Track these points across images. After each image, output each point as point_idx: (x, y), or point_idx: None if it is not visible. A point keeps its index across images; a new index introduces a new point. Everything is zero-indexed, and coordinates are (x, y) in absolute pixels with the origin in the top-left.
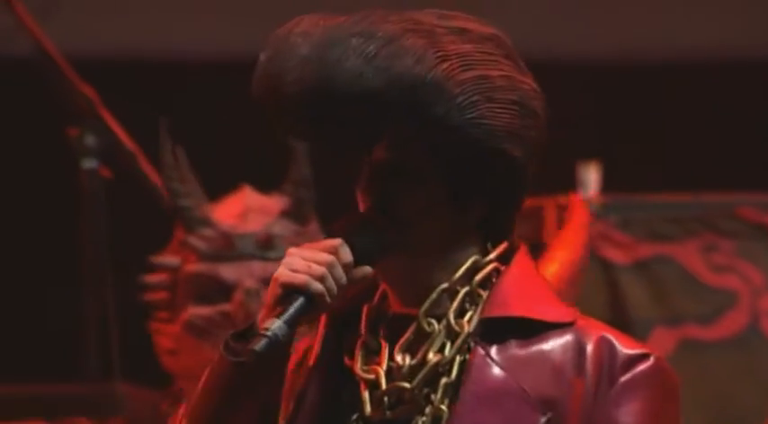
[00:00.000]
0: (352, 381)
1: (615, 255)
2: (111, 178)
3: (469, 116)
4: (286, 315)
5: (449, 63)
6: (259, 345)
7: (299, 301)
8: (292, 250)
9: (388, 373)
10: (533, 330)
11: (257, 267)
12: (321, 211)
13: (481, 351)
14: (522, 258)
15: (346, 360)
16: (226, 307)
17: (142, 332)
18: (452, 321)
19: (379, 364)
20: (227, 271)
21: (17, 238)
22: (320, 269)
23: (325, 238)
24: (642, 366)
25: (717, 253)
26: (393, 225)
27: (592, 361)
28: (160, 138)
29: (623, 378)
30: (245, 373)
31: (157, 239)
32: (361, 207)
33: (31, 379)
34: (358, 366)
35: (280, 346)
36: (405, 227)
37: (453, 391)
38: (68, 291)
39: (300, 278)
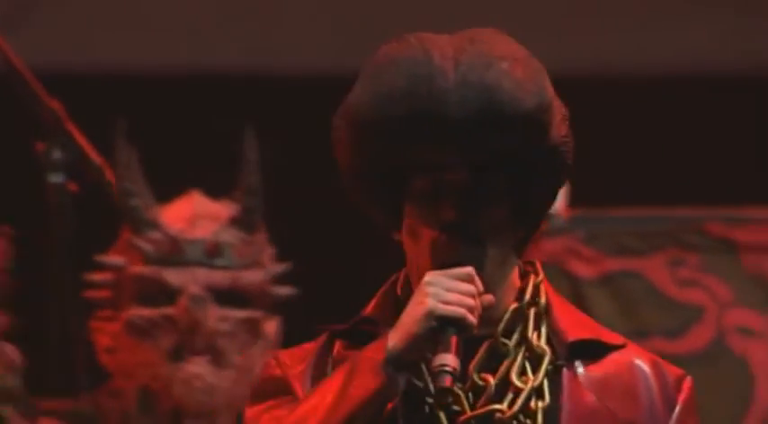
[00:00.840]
0: (411, 401)
1: (581, 269)
2: (78, 192)
3: (565, 148)
4: (453, 349)
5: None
6: (449, 382)
7: (453, 332)
8: (431, 278)
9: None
10: (598, 352)
11: (202, 274)
12: (268, 220)
13: (570, 374)
14: (543, 277)
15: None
16: (169, 311)
17: None
18: (534, 342)
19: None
20: (173, 276)
21: None
22: (471, 302)
23: (444, 263)
24: (688, 385)
25: (683, 268)
26: (473, 243)
27: (655, 383)
28: (115, 140)
29: (680, 398)
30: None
31: None
32: (418, 228)
33: None
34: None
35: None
36: (479, 246)
37: (545, 414)
38: (34, 304)
39: (459, 312)
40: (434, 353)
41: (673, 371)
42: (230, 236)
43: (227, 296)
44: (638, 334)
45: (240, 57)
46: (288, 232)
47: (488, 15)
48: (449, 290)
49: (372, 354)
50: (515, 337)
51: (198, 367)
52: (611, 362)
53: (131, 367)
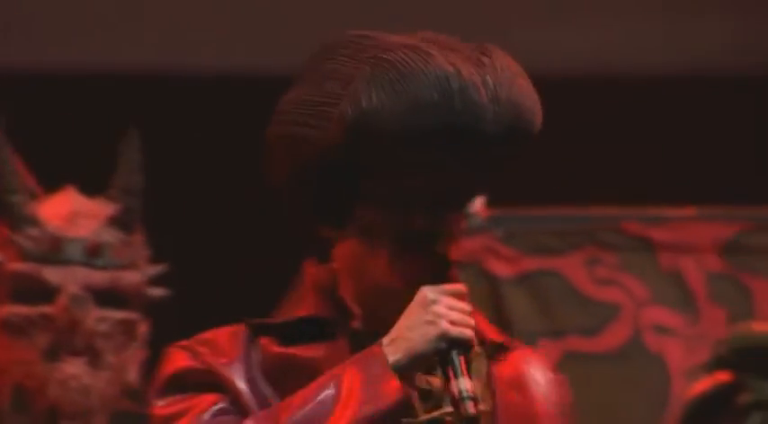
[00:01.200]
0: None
1: (499, 268)
2: None
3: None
4: (465, 372)
5: None
6: (474, 408)
7: (460, 352)
8: (435, 296)
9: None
10: (502, 351)
11: (82, 273)
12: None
13: (495, 373)
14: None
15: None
16: (47, 309)
17: None
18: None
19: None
20: (52, 274)
21: None
22: (472, 321)
23: (433, 270)
24: (566, 386)
25: (600, 267)
26: (448, 254)
27: (544, 379)
28: None
29: (562, 398)
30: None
31: None
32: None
33: None
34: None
35: None
36: (452, 257)
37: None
38: None
39: (467, 334)
40: (445, 376)
41: (551, 369)
42: (110, 236)
43: (106, 297)
44: (556, 333)
45: (130, 56)
46: (162, 233)
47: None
48: (453, 309)
49: (378, 370)
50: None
51: (74, 368)
52: (513, 361)
53: (5, 365)
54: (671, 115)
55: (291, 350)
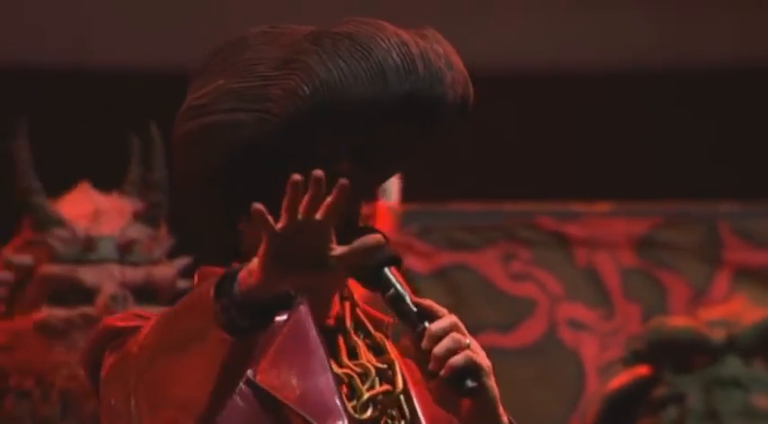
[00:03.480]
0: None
1: (415, 264)
2: None
3: None
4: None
5: None
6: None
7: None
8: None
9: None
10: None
11: (116, 271)
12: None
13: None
14: None
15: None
16: (87, 310)
17: None
18: (372, 332)
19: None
20: (88, 274)
21: None
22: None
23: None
24: None
25: (515, 262)
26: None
27: None
28: (15, 136)
29: None
30: None
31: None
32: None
33: None
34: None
35: None
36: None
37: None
38: None
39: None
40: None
41: None
42: (138, 232)
43: (142, 293)
44: (472, 328)
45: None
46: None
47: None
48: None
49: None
50: (351, 326)
51: None
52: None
53: (45, 369)
54: (586, 110)
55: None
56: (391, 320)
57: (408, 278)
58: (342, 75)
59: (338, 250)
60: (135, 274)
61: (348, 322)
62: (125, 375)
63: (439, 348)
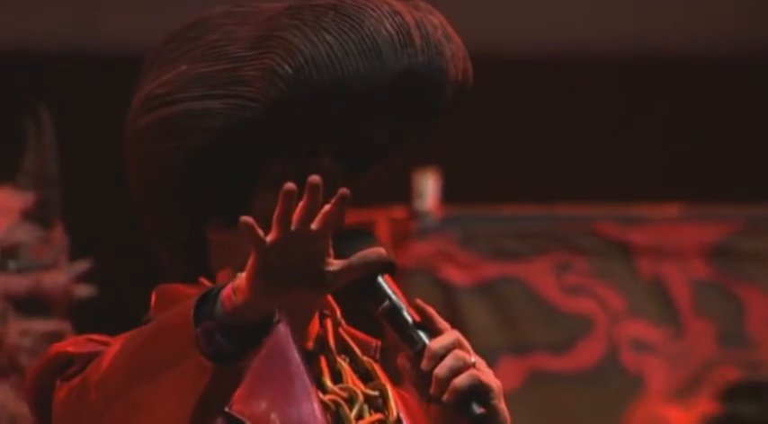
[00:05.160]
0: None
1: (455, 276)
2: None
3: None
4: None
5: None
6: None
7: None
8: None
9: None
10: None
11: None
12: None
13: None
14: None
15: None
16: None
17: None
18: (358, 354)
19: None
20: None
21: None
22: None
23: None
24: None
25: (570, 273)
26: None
27: None
28: None
29: None
30: None
31: None
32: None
33: None
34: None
35: None
36: None
37: None
38: None
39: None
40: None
41: None
42: (26, 234)
43: (27, 305)
44: (520, 348)
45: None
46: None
47: None
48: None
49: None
50: (331, 348)
51: (0, 394)
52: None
53: None
54: (651, 99)
55: None
56: (380, 342)
57: (447, 292)
58: (329, 50)
59: (335, 265)
60: (18, 283)
61: (331, 342)
62: (85, 408)
63: (441, 369)
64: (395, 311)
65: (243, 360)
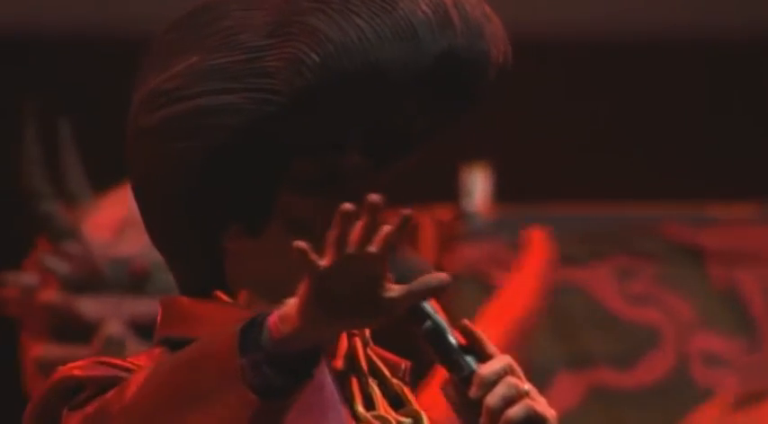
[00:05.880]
0: None
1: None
2: None
3: None
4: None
5: None
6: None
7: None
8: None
9: None
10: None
11: (128, 305)
12: None
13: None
14: None
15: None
16: (82, 351)
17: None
18: (388, 376)
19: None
20: (90, 306)
21: None
22: None
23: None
24: None
25: (635, 280)
26: None
27: None
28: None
29: None
30: None
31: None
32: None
33: None
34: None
35: None
36: None
37: None
38: None
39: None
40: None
41: None
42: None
43: (150, 330)
44: (580, 362)
45: None
46: None
47: None
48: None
49: None
50: (363, 370)
51: None
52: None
53: None
54: (722, 86)
55: None
56: (410, 363)
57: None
58: (361, 35)
59: (395, 290)
60: (147, 307)
61: (363, 363)
62: None
63: (493, 398)
64: (438, 333)
65: (292, 394)
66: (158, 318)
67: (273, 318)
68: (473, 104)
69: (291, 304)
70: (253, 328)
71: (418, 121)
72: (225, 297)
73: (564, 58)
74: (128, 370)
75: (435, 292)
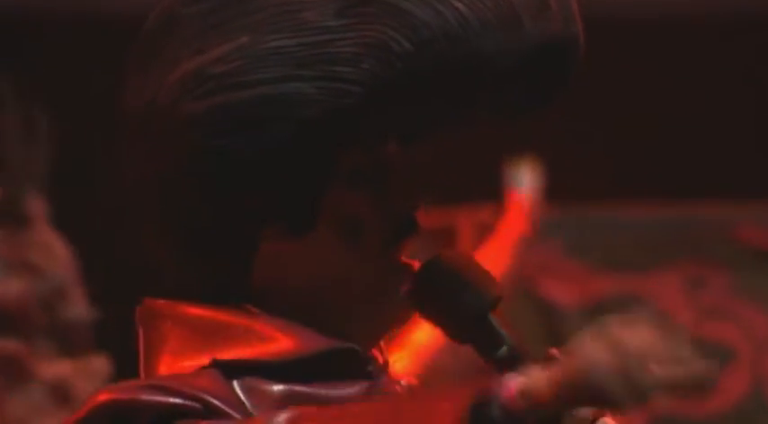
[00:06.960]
0: None
1: (560, 293)
2: None
3: None
4: None
5: None
6: None
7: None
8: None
9: None
10: None
11: None
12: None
13: None
14: None
15: None
16: None
17: None
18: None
19: None
20: None
21: None
22: None
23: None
24: None
25: (706, 291)
26: None
27: None
28: None
29: None
30: None
31: None
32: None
33: None
34: None
35: None
36: None
37: None
38: None
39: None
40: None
41: None
42: None
43: None
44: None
45: None
46: None
47: None
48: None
49: None
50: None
51: None
52: None
53: None
54: None
55: (321, 391)
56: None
57: (549, 313)
58: (461, 20)
59: (662, 372)
60: None
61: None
62: None
63: None
64: (515, 361)
65: None
66: (162, 325)
67: (509, 392)
68: (563, 92)
69: (540, 378)
70: (482, 404)
71: (491, 110)
72: (253, 309)
73: (630, 40)
74: (196, 399)
75: (703, 387)
